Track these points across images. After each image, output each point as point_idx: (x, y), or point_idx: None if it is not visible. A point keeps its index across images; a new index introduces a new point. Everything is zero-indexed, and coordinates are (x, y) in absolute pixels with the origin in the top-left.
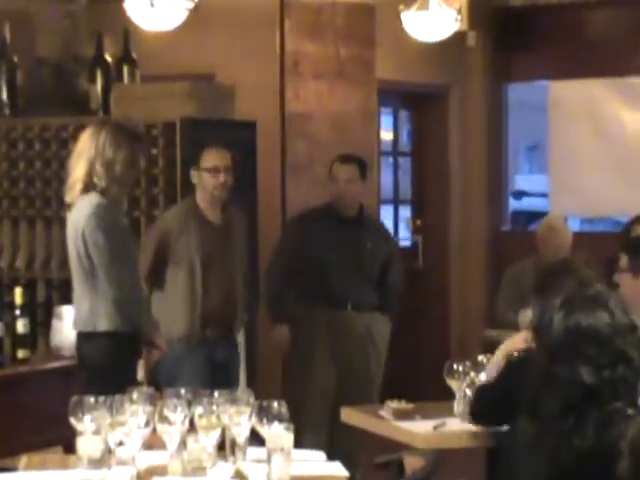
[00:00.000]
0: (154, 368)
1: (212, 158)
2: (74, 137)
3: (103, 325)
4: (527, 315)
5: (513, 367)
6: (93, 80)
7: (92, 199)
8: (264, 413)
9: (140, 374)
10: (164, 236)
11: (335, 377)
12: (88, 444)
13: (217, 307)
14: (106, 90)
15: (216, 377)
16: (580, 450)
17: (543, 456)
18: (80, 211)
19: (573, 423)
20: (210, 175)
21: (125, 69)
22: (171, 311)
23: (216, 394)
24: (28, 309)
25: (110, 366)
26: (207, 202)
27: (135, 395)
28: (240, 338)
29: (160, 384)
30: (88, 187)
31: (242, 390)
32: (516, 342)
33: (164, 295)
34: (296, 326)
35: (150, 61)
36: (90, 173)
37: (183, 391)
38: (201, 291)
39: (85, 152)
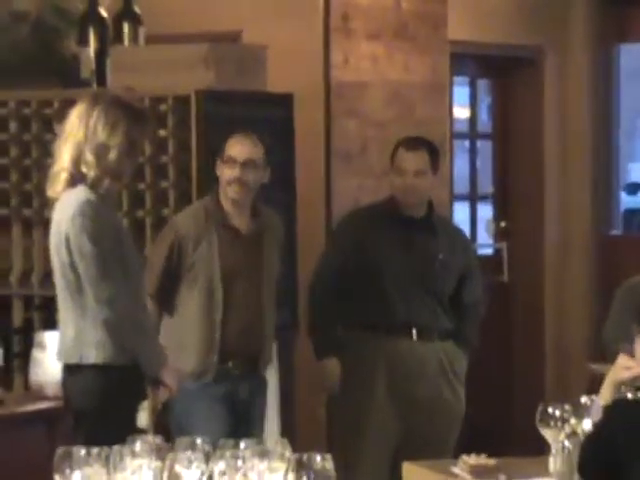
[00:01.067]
0: (161, 412)
1: (231, 147)
2: (60, 115)
3: (92, 356)
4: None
5: (611, 412)
6: (84, 42)
7: (79, 194)
8: (304, 470)
9: (143, 419)
10: (177, 245)
11: (397, 424)
12: None
13: (241, 336)
14: (101, 54)
15: (237, 424)
16: None
17: None
18: (64, 209)
19: None
20: (226, 168)
21: (125, 27)
22: (182, 339)
23: (242, 445)
24: (1, 336)
25: (104, 409)
26: (231, 203)
27: (138, 446)
28: (272, 374)
29: (169, 432)
30: (75, 179)
31: (276, 440)
32: (618, 373)
33: (175, 319)
34: (346, 359)
35: (157, 17)
36: (78, 161)
37: (199, 441)
38: (221, 315)
39: (72, 134)
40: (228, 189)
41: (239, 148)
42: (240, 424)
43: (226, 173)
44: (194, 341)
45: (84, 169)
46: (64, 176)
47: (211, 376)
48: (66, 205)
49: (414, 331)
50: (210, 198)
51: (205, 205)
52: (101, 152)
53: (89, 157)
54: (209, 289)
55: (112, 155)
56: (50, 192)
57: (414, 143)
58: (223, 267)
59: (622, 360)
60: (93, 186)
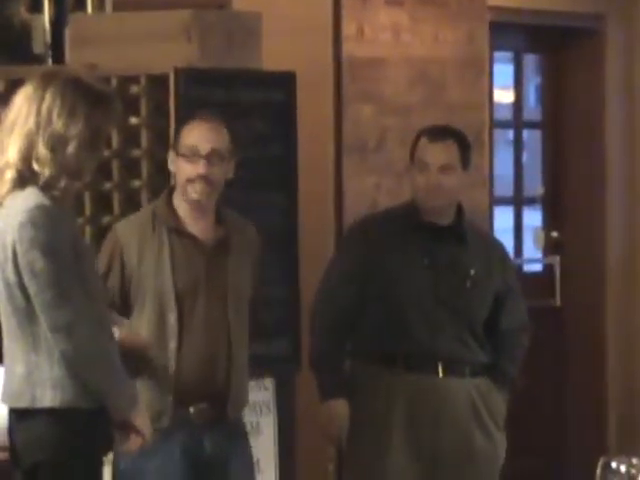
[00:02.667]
0: None
1: (190, 135)
2: (6, 98)
3: (47, 398)
4: None
5: None
6: (37, 7)
7: (29, 198)
8: None
9: (109, 476)
10: (118, 258)
11: (419, 478)
12: None
13: (202, 371)
14: (57, 24)
15: None
16: None
17: None
18: (10, 217)
19: None
20: (185, 162)
21: None
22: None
23: None
24: None
25: (62, 462)
26: (190, 206)
27: None
28: (268, 420)
29: None
30: (24, 178)
31: None
32: None
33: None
34: (356, 400)
35: None
36: (28, 156)
37: None
38: (176, 346)
39: (20, 123)
40: (189, 188)
41: (200, 135)
42: None
43: (185, 168)
44: (144, 380)
45: (36, 166)
46: (10, 175)
47: (167, 420)
48: (13, 212)
49: (440, 365)
50: (162, 201)
51: (154, 208)
52: (57, 145)
53: (43, 151)
54: (160, 311)
55: (70, 148)
56: None
57: (439, 133)
58: (177, 283)
59: None
60: (46, 187)
